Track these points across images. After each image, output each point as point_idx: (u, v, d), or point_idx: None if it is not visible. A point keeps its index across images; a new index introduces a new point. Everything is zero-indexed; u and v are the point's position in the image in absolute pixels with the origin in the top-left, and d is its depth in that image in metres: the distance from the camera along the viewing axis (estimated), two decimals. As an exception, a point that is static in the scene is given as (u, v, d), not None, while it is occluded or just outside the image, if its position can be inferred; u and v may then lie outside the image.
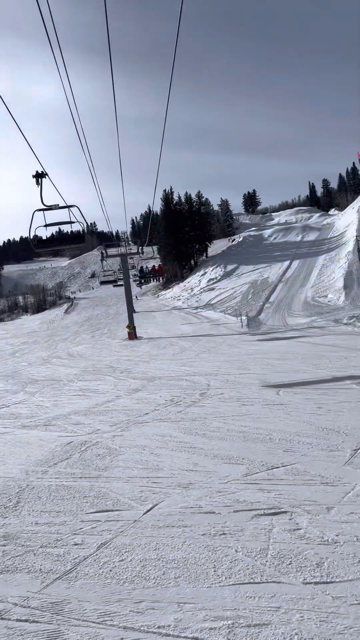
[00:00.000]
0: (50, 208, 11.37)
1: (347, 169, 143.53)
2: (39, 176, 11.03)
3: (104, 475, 5.74)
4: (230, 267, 65.33)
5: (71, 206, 11.80)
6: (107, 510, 4.69)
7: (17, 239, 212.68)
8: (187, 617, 2.97)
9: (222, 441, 6.71)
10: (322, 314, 30.54)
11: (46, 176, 11.08)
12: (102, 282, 46.11)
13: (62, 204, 11.52)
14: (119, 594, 3.29)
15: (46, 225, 12.03)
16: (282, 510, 4.30)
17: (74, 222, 12.26)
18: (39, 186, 11.06)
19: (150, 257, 50.95)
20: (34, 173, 11.00)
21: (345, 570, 3.29)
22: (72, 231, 14.65)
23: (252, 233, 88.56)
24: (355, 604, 2.92)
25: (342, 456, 5.58)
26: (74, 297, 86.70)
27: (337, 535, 3.75)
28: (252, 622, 2.86)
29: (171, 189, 79.48)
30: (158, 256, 79.98)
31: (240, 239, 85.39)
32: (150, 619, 2.99)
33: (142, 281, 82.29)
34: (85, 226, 13.25)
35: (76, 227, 13.02)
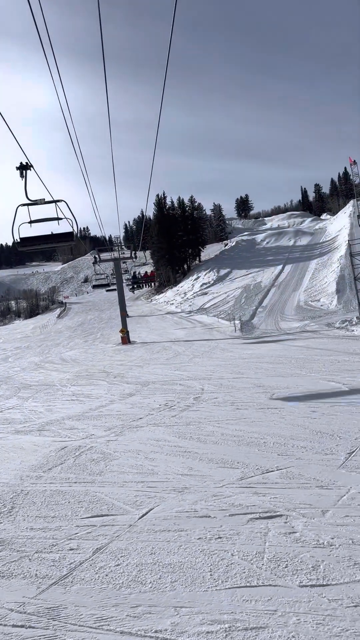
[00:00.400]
0: (35, 203, 10.71)
1: (339, 173, 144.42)
2: (23, 168, 10.36)
3: (99, 480, 5.72)
4: (223, 272, 65.51)
5: (58, 201, 11.06)
6: (102, 515, 4.68)
7: (9, 243, 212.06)
8: (184, 621, 2.97)
9: (216, 445, 6.72)
10: (315, 318, 30.67)
11: (31, 168, 10.43)
12: (95, 286, 45.77)
13: (48, 199, 10.80)
14: (115, 599, 3.29)
15: (31, 222, 11.24)
16: (278, 513, 4.31)
17: (61, 219, 11.47)
18: (24, 179, 10.43)
19: (142, 264, 51.04)
20: (17, 165, 10.30)
21: (341, 572, 3.30)
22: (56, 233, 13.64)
23: (244, 237, 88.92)
24: (352, 607, 2.93)
25: (337, 459, 5.60)
26: (66, 303, 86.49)
27: (332, 539, 3.77)
28: (249, 625, 2.86)
29: (164, 194, 79.75)
30: (151, 261, 79.99)
31: (233, 243, 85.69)
32: (147, 623, 2.99)
33: (135, 286, 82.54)
34: (74, 222, 11.92)
35: (67, 228, 12.38)
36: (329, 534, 3.85)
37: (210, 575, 3.47)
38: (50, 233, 12.13)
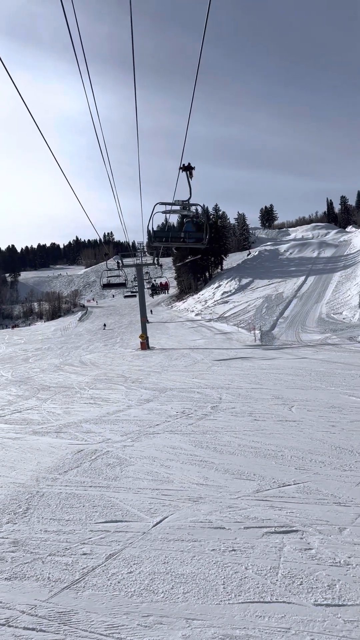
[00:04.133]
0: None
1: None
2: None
3: (114, 485, 5.72)
4: (245, 281, 65.27)
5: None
6: (116, 521, 4.66)
7: (35, 246, 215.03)
8: (196, 634, 2.93)
9: (233, 456, 6.66)
10: (337, 330, 30.30)
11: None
12: (106, 286, 37.22)
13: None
14: (126, 607, 3.27)
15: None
16: (294, 529, 4.24)
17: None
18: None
19: (158, 276, 51.29)
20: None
21: (358, 593, 3.23)
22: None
23: (267, 247, 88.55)
24: (368, 629, 2.86)
25: (355, 476, 5.50)
26: (87, 307, 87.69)
27: (349, 557, 3.69)
28: (262, 642, 2.81)
29: (191, 189, 80.00)
30: (167, 274, 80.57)
31: (256, 252, 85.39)
32: (158, 634, 2.96)
33: (153, 292, 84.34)
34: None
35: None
36: (346, 552, 3.77)
37: (224, 588, 3.42)
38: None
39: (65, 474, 6.31)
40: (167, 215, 16.19)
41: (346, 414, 8.85)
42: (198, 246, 17.40)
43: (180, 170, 12.94)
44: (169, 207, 15.16)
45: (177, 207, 15.13)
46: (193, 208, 15.55)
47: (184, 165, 12.85)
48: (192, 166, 12.97)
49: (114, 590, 3.48)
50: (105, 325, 59.15)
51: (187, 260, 60.38)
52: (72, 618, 3.17)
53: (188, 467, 6.25)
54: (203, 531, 4.33)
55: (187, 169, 12.94)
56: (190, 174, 12.97)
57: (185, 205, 14.64)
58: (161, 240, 17.33)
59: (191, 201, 14.90)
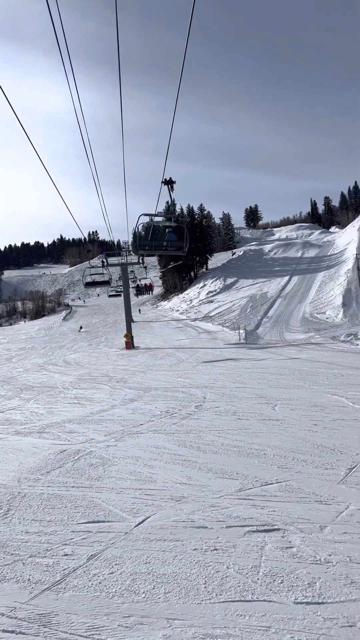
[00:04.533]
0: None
1: (349, 187, 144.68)
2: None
3: (97, 486, 5.69)
4: (229, 280, 65.49)
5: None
6: (98, 521, 4.64)
7: (19, 244, 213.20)
8: (176, 634, 2.92)
9: (216, 455, 6.67)
10: (320, 330, 30.56)
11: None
12: (88, 284, 36.27)
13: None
14: (107, 608, 3.25)
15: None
16: (275, 527, 4.26)
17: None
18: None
19: (143, 277, 51.54)
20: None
21: (337, 591, 3.26)
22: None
23: (252, 247, 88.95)
24: (347, 626, 2.89)
25: (337, 474, 5.55)
26: (72, 306, 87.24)
27: (329, 555, 3.72)
28: (242, 641, 2.82)
29: (173, 201, 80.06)
30: (158, 266, 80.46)
31: (241, 252, 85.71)
32: (139, 634, 2.95)
33: (138, 292, 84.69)
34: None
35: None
36: (326, 550, 3.80)
37: (205, 587, 3.43)
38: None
39: (48, 474, 6.26)
40: (151, 225, 17.83)
41: (328, 412, 8.93)
42: (179, 254, 19.08)
43: (162, 184, 14.00)
44: (153, 218, 16.92)
45: (160, 219, 17.26)
46: (175, 220, 17.63)
47: (165, 179, 13.80)
48: (173, 180, 13.96)
49: (95, 591, 3.46)
50: (81, 327, 56.21)
51: (169, 267, 61.15)
52: (52, 620, 3.15)
53: (171, 467, 6.25)
54: (185, 531, 4.33)
55: (169, 182, 13.97)
56: (172, 187, 14.02)
57: (167, 216, 16.35)
58: (144, 248, 19.10)
59: (173, 211, 17.22)
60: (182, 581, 3.52)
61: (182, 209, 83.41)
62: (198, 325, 43.68)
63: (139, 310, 68.85)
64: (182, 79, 9.02)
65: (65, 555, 4.02)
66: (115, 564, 3.82)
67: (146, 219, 17.28)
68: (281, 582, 3.42)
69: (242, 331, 32.09)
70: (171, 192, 14.03)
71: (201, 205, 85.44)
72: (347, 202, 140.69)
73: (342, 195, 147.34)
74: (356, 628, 2.88)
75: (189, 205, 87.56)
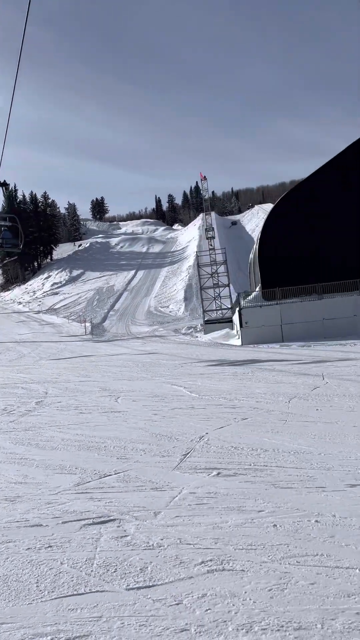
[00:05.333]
0: None
1: (191, 187, 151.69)
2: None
3: None
4: (76, 272, 64.50)
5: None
6: None
7: None
8: (3, 638, 2.80)
9: (55, 451, 6.54)
10: (164, 323, 31.70)
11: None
12: None
13: None
14: None
15: None
16: (111, 518, 4.32)
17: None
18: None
19: None
20: None
21: (167, 572, 3.41)
22: None
23: (99, 240, 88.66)
24: (174, 605, 3.04)
25: (173, 461, 5.81)
26: None
27: (161, 540, 3.88)
28: (72, 635, 2.80)
29: (15, 187, 76.18)
30: None
31: (87, 244, 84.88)
32: None
33: None
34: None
35: None
36: (159, 535, 3.96)
37: (37, 586, 3.34)
38: None
39: None
40: None
41: (168, 402, 9.31)
42: (15, 250, 19.92)
43: None
44: None
45: None
46: (9, 220, 18.42)
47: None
48: (7, 183, 15.23)
49: None
50: None
51: (5, 261, 58.51)
52: None
53: (6, 467, 5.97)
54: (19, 531, 4.17)
55: (3, 185, 15.19)
56: (6, 189, 15.49)
57: (2, 216, 17.41)
58: None
59: (8, 211, 18.17)
60: (12, 583, 3.39)
61: (24, 196, 79.58)
62: (42, 317, 42.28)
63: None
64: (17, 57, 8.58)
65: None
66: None
67: None
68: (114, 571, 3.47)
69: (88, 324, 31.85)
70: (5, 194, 15.45)
71: (45, 193, 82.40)
72: (188, 200, 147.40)
73: (185, 194, 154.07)
74: (182, 605, 3.06)
75: (32, 192, 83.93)
